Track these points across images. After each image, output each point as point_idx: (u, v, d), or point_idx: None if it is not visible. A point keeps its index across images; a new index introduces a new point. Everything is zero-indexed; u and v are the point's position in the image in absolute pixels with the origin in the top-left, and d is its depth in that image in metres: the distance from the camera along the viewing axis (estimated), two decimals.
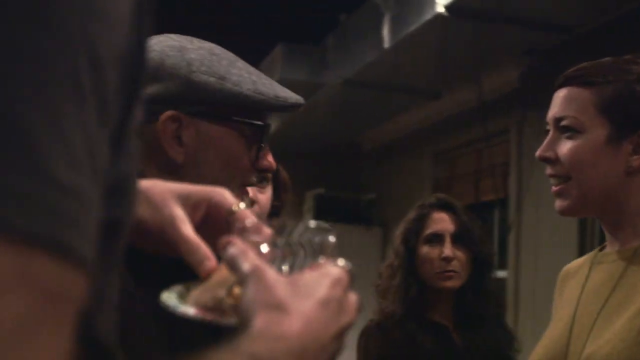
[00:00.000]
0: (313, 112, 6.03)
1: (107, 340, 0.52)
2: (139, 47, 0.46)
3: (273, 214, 1.82)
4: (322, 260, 0.69)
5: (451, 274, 2.14)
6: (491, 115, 5.04)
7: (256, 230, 0.70)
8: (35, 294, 0.36)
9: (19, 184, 0.35)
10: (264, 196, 1.73)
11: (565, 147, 1.28)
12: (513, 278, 4.80)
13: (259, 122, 1.08)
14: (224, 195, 0.76)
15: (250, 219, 0.72)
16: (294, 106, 1.10)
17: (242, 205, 0.74)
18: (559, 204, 1.30)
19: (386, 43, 4.50)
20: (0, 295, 0.35)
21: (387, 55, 4.61)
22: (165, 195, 0.75)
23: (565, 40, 4.39)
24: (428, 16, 4.05)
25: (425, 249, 2.18)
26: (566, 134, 1.28)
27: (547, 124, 1.33)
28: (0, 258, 0.35)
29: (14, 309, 0.35)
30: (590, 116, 1.26)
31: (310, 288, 0.63)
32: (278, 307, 0.61)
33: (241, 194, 1.09)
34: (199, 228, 0.74)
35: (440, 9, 3.95)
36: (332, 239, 0.70)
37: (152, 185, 0.76)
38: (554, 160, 1.29)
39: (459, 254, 2.15)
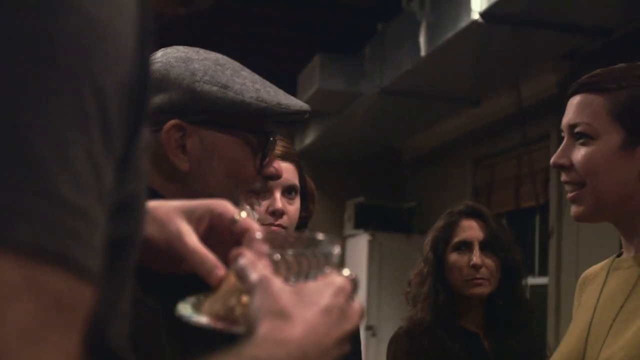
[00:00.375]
0: (352, 121, 6.07)
1: (120, 349, 0.55)
2: (143, 69, 0.49)
3: (301, 225, 1.86)
4: (327, 270, 0.72)
5: (480, 281, 2.14)
6: (530, 121, 5.02)
7: (265, 242, 0.73)
8: (42, 302, 0.39)
9: (28, 203, 0.39)
10: (293, 207, 1.76)
11: (580, 153, 1.28)
12: (554, 284, 4.76)
13: (263, 130, 1.09)
14: (226, 206, 0.79)
15: (253, 227, 0.75)
16: (298, 113, 1.12)
17: (244, 214, 0.77)
18: (574, 210, 1.31)
19: (423, 51, 4.51)
20: (10, 303, 0.38)
21: (424, 64, 4.61)
22: (170, 212, 0.78)
23: (604, 44, 4.35)
24: (464, 23, 4.05)
25: (454, 257, 2.18)
26: (580, 141, 1.29)
27: (562, 131, 1.34)
28: (11, 269, 0.38)
29: (24, 316, 0.39)
30: (604, 122, 1.27)
31: (314, 296, 0.67)
32: (282, 314, 0.64)
33: (247, 201, 1.11)
34: (204, 239, 0.77)
35: (475, 16, 3.95)
36: (337, 250, 0.74)
37: (158, 205, 0.80)
38: (568, 167, 1.30)
39: (488, 261, 2.15)
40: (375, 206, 6.77)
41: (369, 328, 6.09)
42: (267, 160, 1.10)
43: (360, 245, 6.66)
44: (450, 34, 4.20)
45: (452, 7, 4.17)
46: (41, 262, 0.39)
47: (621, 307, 1.24)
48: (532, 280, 5.24)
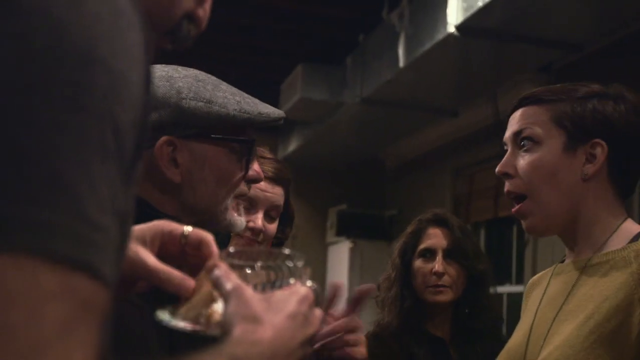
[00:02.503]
0: (334, 130, 6.14)
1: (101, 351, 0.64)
2: (146, 107, 0.59)
3: (276, 245, 1.91)
4: (292, 281, 0.84)
5: (441, 288, 2.19)
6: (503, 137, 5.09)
7: (238, 255, 0.84)
8: (73, 302, 0.48)
9: (64, 222, 0.48)
10: (271, 227, 1.82)
11: (524, 161, 1.34)
12: None
13: (246, 138, 1.18)
14: (171, 224, 0.88)
15: (206, 236, 0.84)
16: (277, 120, 1.20)
17: (189, 228, 0.86)
18: (524, 224, 1.37)
19: (402, 62, 4.58)
20: (47, 303, 0.47)
21: (403, 74, 4.69)
22: None
23: (579, 58, 4.45)
24: (440, 36, 4.12)
25: (418, 263, 2.24)
26: (525, 148, 1.35)
27: (505, 144, 1.40)
28: (47, 275, 0.47)
29: (59, 314, 0.47)
30: (546, 127, 1.34)
31: (281, 304, 0.78)
32: (254, 319, 0.75)
33: (236, 206, 1.20)
34: (161, 258, 0.86)
35: (451, 29, 4.03)
36: (301, 263, 0.85)
37: None
38: (513, 175, 1.36)
39: (451, 269, 2.20)
40: (357, 214, 6.84)
41: None
42: (249, 165, 1.19)
43: (341, 252, 6.72)
44: (427, 46, 4.27)
45: (429, 20, 4.25)
46: (73, 270, 0.48)
47: (560, 308, 1.30)
48: (508, 289, 5.33)
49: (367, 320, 1.89)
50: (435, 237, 2.24)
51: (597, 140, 1.32)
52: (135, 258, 0.84)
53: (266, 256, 0.85)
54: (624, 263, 1.25)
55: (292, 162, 6.78)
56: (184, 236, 0.86)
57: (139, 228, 0.87)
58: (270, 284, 0.83)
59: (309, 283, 0.84)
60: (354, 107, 5.47)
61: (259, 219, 1.76)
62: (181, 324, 0.81)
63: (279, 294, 0.80)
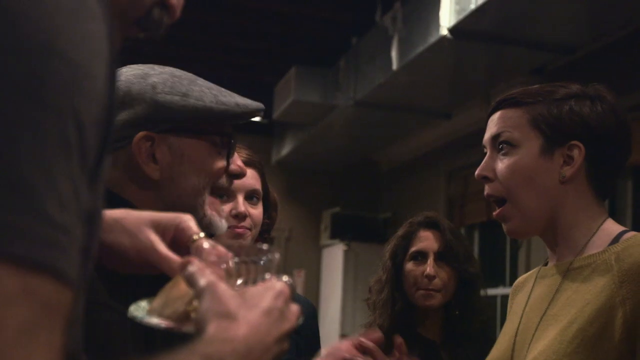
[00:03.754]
0: (327, 133, 6.14)
1: (74, 352, 0.62)
2: (111, 100, 0.57)
3: (264, 232, 1.93)
4: (268, 276, 0.81)
5: (431, 292, 2.18)
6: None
7: (213, 251, 0.82)
8: (35, 305, 0.47)
9: (23, 222, 0.47)
10: (256, 211, 1.82)
11: (503, 164, 1.34)
12: None
13: (224, 131, 1.16)
14: (189, 223, 0.88)
15: (207, 242, 0.84)
16: (255, 111, 1.18)
17: (202, 234, 0.86)
18: (504, 227, 1.37)
19: (395, 65, 4.59)
20: (8, 307, 0.46)
21: (396, 77, 4.70)
22: (139, 223, 0.87)
23: (571, 61, 4.46)
24: (433, 39, 4.13)
25: (410, 266, 2.23)
26: (503, 151, 1.35)
27: (484, 147, 1.40)
28: (8, 279, 0.46)
29: (20, 317, 0.46)
30: (524, 130, 1.33)
31: (256, 299, 0.75)
32: (228, 315, 0.73)
33: (213, 207, 1.17)
34: (169, 247, 0.86)
35: (444, 31, 4.04)
36: (276, 258, 0.83)
37: (126, 215, 0.89)
38: (492, 179, 1.36)
39: (442, 272, 2.19)
40: (351, 216, 6.85)
41: (343, 336, 6.14)
42: (231, 159, 1.17)
43: (336, 254, 6.73)
44: (420, 48, 4.28)
45: (422, 23, 4.25)
46: (34, 272, 0.48)
47: (544, 313, 1.30)
48: (502, 291, 5.33)
49: (358, 322, 1.90)
50: (427, 240, 2.23)
51: (575, 142, 1.32)
52: (146, 243, 0.85)
53: (242, 251, 0.83)
54: (605, 266, 1.25)
55: (286, 165, 6.78)
56: (191, 240, 0.86)
57: (158, 214, 0.88)
58: (245, 280, 0.80)
59: (285, 278, 0.82)
60: (348, 109, 5.48)
61: (240, 204, 1.76)
62: (155, 320, 0.79)
63: (253, 290, 0.77)
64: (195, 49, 5.70)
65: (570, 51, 4.38)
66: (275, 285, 0.78)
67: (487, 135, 1.38)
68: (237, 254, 0.82)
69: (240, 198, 1.78)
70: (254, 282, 0.80)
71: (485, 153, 1.39)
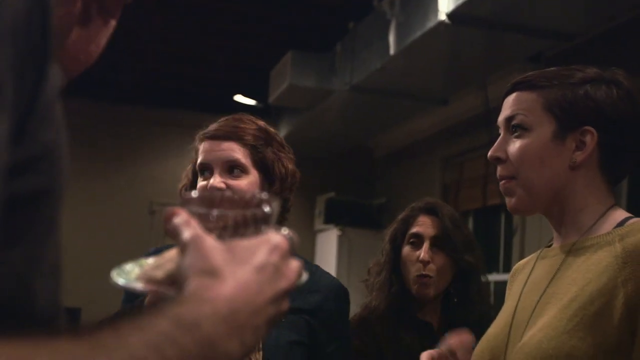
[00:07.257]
0: (323, 117, 6.13)
1: (49, 307, 0.57)
2: (43, 16, 0.50)
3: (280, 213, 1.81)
4: (264, 229, 0.71)
5: (425, 279, 2.17)
6: (497, 121, 5.11)
7: (201, 201, 0.72)
8: None
9: None
10: (238, 182, 1.70)
11: (515, 146, 1.36)
12: None
13: None
14: None
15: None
16: None
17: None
18: (507, 202, 1.39)
19: (392, 50, 4.58)
20: None
21: (393, 62, 4.68)
22: None
23: (568, 48, 4.46)
24: (431, 24, 4.12)
25: (407, 250, 2.24)
26: (516, 134, 1.36)
27: (498, 127, 1.41)
28: None
29: None
30: (537, 114, 1.34)
31: (248, 254, 0.65)
32: (211, 272, 0.63)
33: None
34: None
35: (442, 16, 4.02)
36: (274, 209, 0.73)
37: None
38: (504, 160, 1.37)
39: (437, 258, 2.19)
40: (345, 202, 6.85)
41: None
42: None
43: (330, 240, 6.73)
44: (418, 33, 4.26)
45: (420, 7, 4.24)
46: None
47: (544, 291, 1.31)
48: (496, 277, 5.35)
49: (351, 307, 1.89)
50: (424, 225, 2.24)
51: (588, 127, 1.33)
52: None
53: (235, 202, 0.73)
54: (609, 247, 1.26)
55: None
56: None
57: None
58: (239, 234, 0.70)
59: (284, 230, 0.71)
60: (344, 94, 5.46)
61: (216, 178, 1.69)
62: (138, 285, 0.70)
63: (245, 243, 0.67)
64: (192, 33, 5.68)
65: (569, 38, 4.37)
66: (271, 238, 0.68)
67: (502, 116, 1.39)
68: (230, 204, 0.73)
69: (216, 173, 1.70)
70: (248, 235, 0.70)
71: (499, 134, 1.40)
